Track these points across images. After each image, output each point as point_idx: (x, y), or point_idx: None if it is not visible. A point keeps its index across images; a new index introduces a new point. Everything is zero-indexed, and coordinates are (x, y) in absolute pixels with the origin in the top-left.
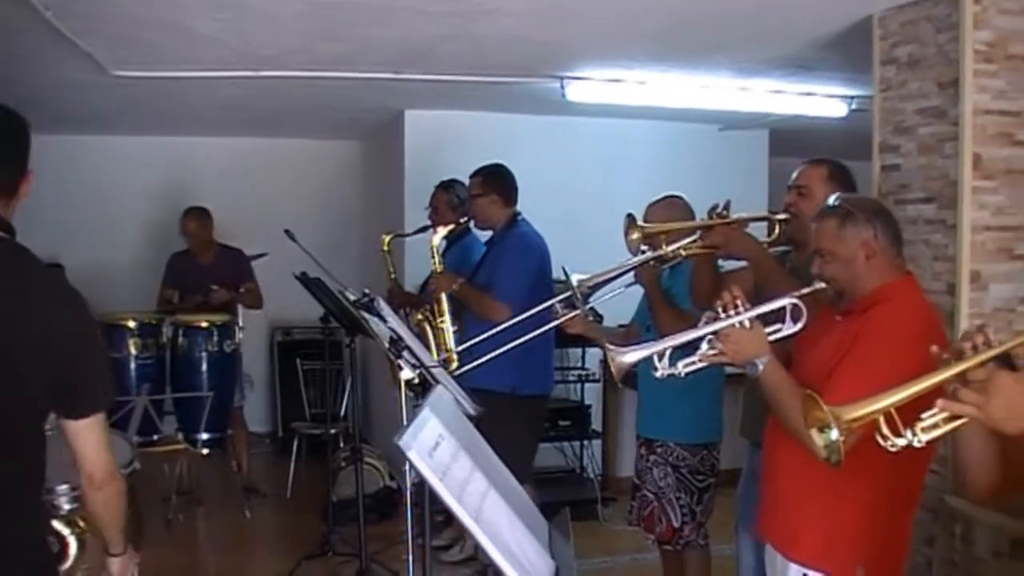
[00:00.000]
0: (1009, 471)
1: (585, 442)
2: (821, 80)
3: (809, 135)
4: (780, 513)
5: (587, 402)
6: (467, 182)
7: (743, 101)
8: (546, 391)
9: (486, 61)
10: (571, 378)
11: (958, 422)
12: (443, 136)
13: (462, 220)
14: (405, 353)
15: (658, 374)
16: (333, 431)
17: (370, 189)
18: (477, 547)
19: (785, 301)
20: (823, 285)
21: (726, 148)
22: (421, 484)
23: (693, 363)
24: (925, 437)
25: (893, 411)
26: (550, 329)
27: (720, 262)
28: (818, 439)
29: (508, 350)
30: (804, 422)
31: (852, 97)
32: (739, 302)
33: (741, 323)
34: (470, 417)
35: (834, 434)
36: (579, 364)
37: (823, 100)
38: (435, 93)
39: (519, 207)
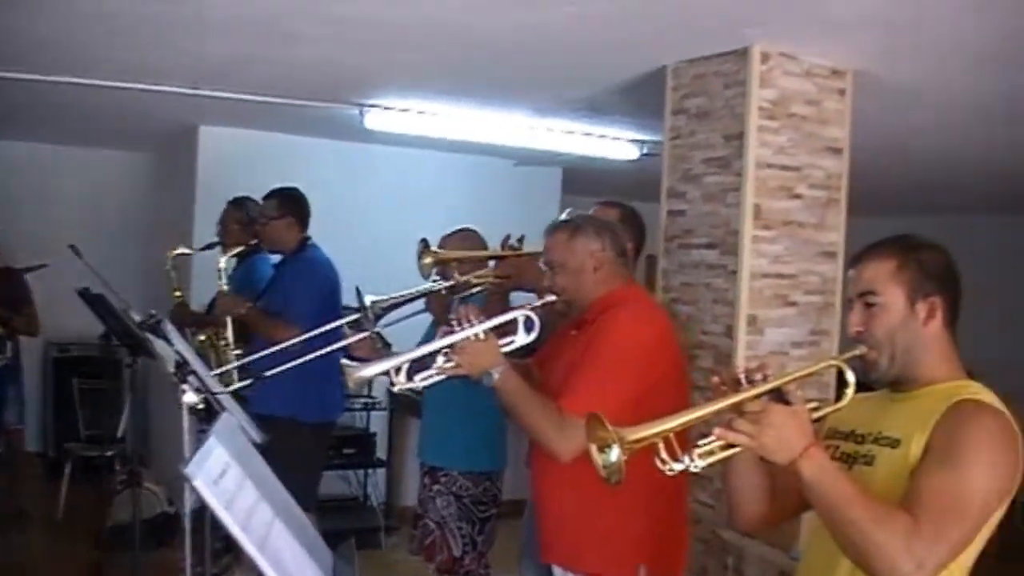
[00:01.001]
0: (777, 501)
1: (369, 470)
2: (615, 124)
3: (601, 175)
4: (558, 531)
5: (372, 430)
6: (260, 201)
7: (540, 139)
8: (331, 418)
9: (286, 83)
10: (356, 406)
11: (733, 450)
12: (238, 154)
13: (252, 241)
14: (191, 378)
15: (395, 388)
16: (109, 453)
17: (161, 204)
18: None
19: (518, 313)
20: (554, 297)
21: (520, 183)
22: (201, 511)
23: (430, 376)
24: (701, 463)
25: (672, 436)
26: (336, 351)
27: None
28: (598, 458)
29: (285, 370)
30: (587, 439)
31: (643, 142)
32: (472, 316)
33: (476, 335)
34: (256, 445)
35: (615, 454)
36: (365, 392)
37: (616, 143)
38: (232, 110)
39: (314, 231)
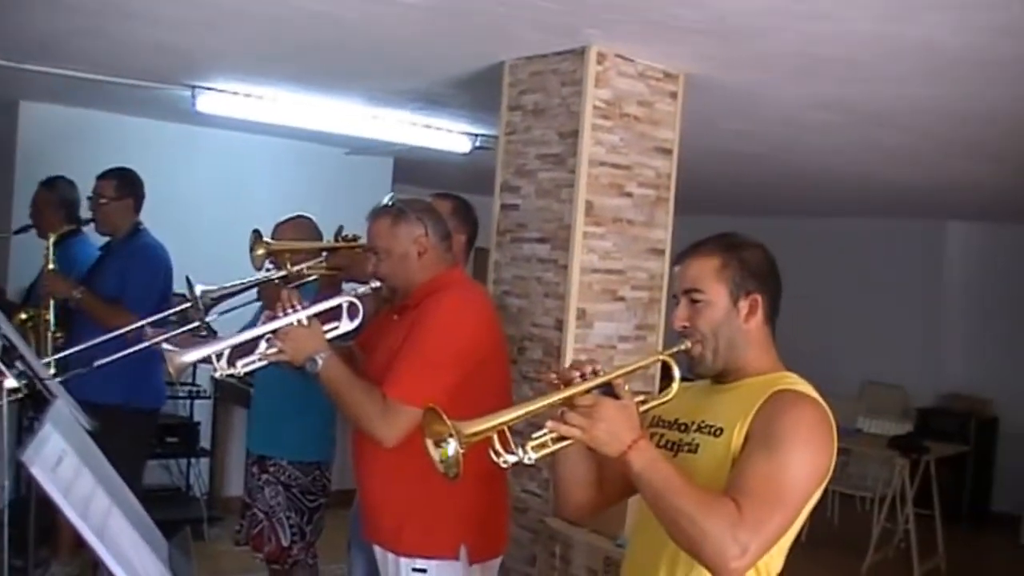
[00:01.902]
0: (603, 489)
1: (192, 460)
2: (449, 116)
3: (434, 166)
4: (380, 513)
5: (196, 419)
6: (82, 183)
7: (373, 129)
8: (158, 405)
9: (118, 62)
10: (180, 394)
11: (565, 442)
12: (63, 134)
13: (79, 218)
14: (18, 363)
15: (216, 374)
16: None
17: None
18: (96, 566)
19: (341, 299)
20: (379, 284)
21: (351, 172)
22: (18, 503)
23: (252, 362)
24: (535, 455)
25: (506, 428)
26: (164, 340)
27: None
28: (434, 453)
29: (116, 361)
30: (423, 433)
31: (477, 135)
32: (295, 301)
33: (299, 321)
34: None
35: (452, 448)
36: (189, 380)
37: (450, 135)
38: (57, 87)
39: (142, 215)
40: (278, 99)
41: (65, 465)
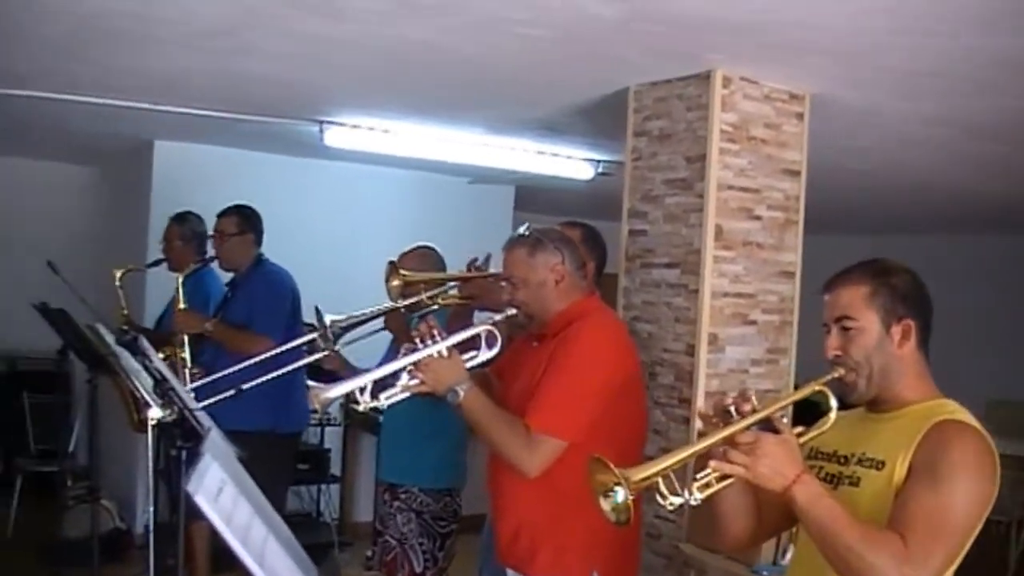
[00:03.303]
0: (762, 521)
1: (323, 486)
2: (570, 143)
3: (555, 193)
4: (515, 536)
5: (327, 446)
6: (206, 218)
7: (494, 158)
8: (302, 428)
9: (244, 99)
10: (311, 422)
11: (729, 480)
12: (194, 170)
13: (206, 256)
14: (171, 394)
15: (360, 407)
16: (60, 468)
17: (110, 219)
18: None
19: (480, 328)
20: (514, 311)
21: (474, 201)
22: (159, 527)
23: (395, 394)
24: (700, 495)
25: (671, 472)
26: (303, 366)
27: None
28: (604, 504)
29: (256, 389)
30: (589, 485)
31: (599, 161)
32: (435, 332)
33: (439, 352)
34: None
35: (621, 496)
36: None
37: (572, 162)
38: (188, 125)
39: (268, 247)
40: (401, 131)
41: (225, 495)
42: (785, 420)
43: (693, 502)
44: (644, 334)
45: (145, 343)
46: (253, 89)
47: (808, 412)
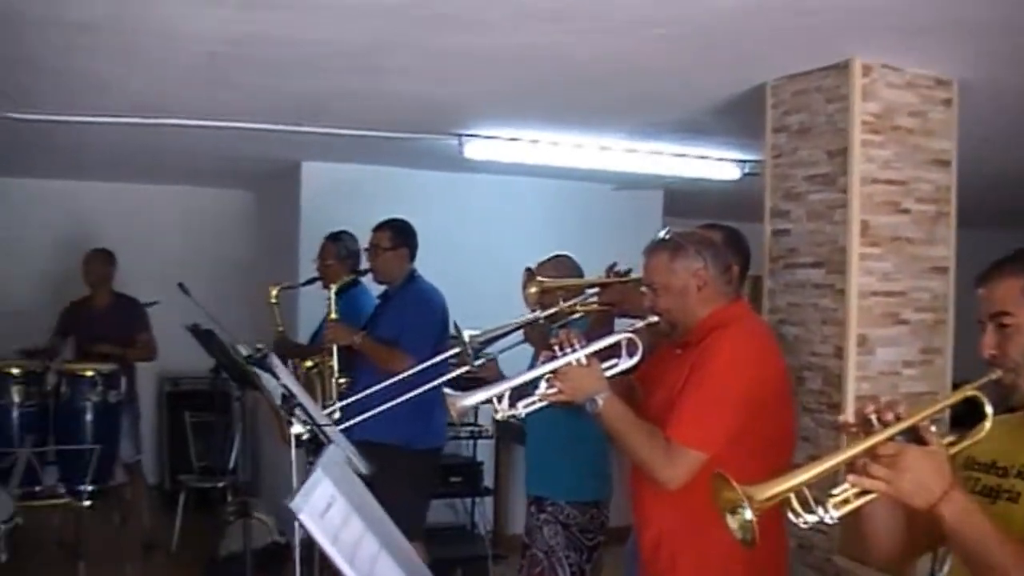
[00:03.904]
0: (915, 538)
1: (476, 499)
2: (715, 144)
3: (703, 196)
4: (657, 549)
5: (479, 459)
6: (359, 234)
7: (638, 163)
8: (440, 445)
9: (383, 117)
10: (463, 434)
11: (869, 496)
12: (340, 189)
13: (359, 269)
14: (297, 410)
15: (498, 416)
16: (221, 484)
17: (263, 240)
18: None
19: (620, 336)
20: (656, 319)
21: (620, 207)
22: (311, 540)
23: (533, 403)
24: (836, 513)
25: (805, 488)
26: (445, 382)
27: None
28: (731, 521)
29: (398, 404)
30: (715, 504)
31: (745, 161)
32: (575, 340)
33: (578, 360)
34: (361, 475)
35: (748, 514)
36: (471, 420)
37: (718, 163)
38: (333, 145)
39: (416, 262)
40: (541, 140)
41: (334, 511)
42: (933, 429)
43: (829, 520)
44: (790, 337)
45: (274, 360)
46: (392, 107)
47: (972, 415)
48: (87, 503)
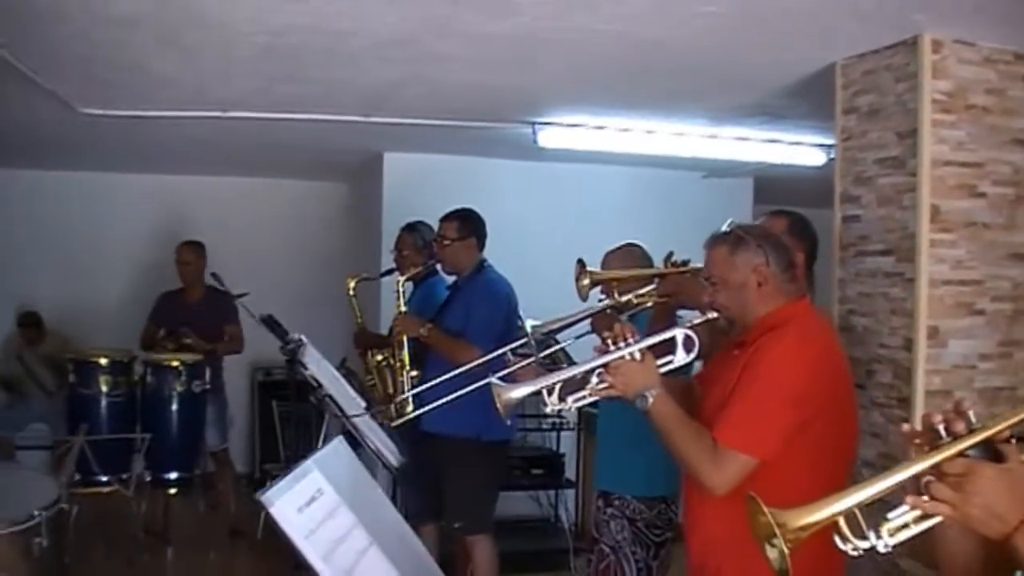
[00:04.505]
0: (995, 563)
1: (560, 491)
2: (796, 129)
3: (793, 183)
4: (705, 555)
5: (561, 451)
6: (435, 224)
7: (717, 148)
8: (510, 437)
9: (452, 106)
10: (545, 426)
11: (931, 521)
12: (421, 179)
13: (429, 262)
14: (327, 400)
15: (548, 408)
16: None
17: (353, 231)
18: None
19: (676, 331)
20: (715, 314)
21: (710, 196)
22: None
23: (583, 397)
24: (892, 540)
25: (857, 510)
26: (505, 376)
27: None
28: (769, 552)
29: (462, 395)
30: (751, 530)
31: (831, 146)
32: (628, 334)
33: (631, 355)
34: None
35: (780, 545)
36: (555, 412)
37: (800, 148)
38: (411, 136)
39: (495, 252)
40: (612, 127)
41: (318, 505)
42: (1013, 443)
43: (883, 549)
44: (860, 328)
45: (307, 351)
46: (453, 96)
47: None
48: (172, 491)
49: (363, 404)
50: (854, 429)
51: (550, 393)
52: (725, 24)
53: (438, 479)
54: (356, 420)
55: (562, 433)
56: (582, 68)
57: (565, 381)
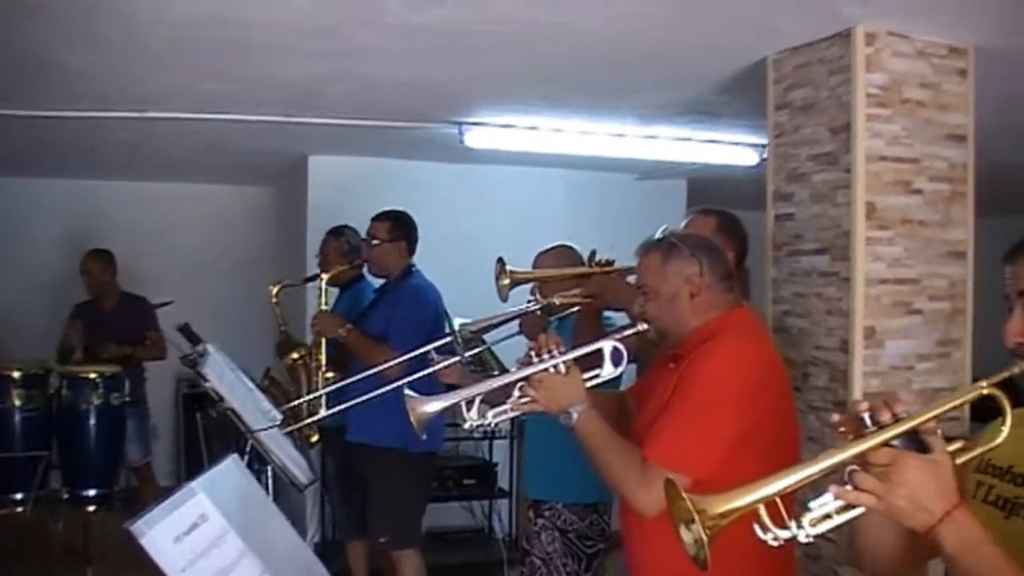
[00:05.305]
0: (915, 551)
1: (493, 501)
2: (729, 128)
3: (726, 184)
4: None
5: (494, 460)
6: (362, 229)
7: (649, 149)
8: (437, 448)
9: (378, 105)
10: (477, 435)
11: (853, 513)
12: (347, 183)
13: (355, 264)
14: (229, 414)
15: (466, 425)
16: None
17: (280, 236)
18: None
19: (604, 344)
20: (645, 326)
21: (643, 198)
22: (323, 543)
23: (504, 412)
24: (814, 531)
25: (778, 500)
26: (423, 377)
27: None
28: (685, 535)
29: (385, 399)
30: (670, 511)
31: (763, 145)
32: (553, 345)
33: (556, 368)
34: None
35: (696, 531)
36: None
37: (733, 148)
38: (337, 139)
39: (427, 256)
40: (544, 127)
41: (199, 533)
42: (939, 433)
43: (804, 539)
44: (795, 330)
45: (209, 362)
46: (383, 93)
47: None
48: (91, 508)
49: (276, 417)
50: (796, 436)
51: (469, 407)
52: (660, 15)
53: (366, 491)
54: (261, 435)
55: (495, 441)
56: (511, 63)
57: (485, 394)
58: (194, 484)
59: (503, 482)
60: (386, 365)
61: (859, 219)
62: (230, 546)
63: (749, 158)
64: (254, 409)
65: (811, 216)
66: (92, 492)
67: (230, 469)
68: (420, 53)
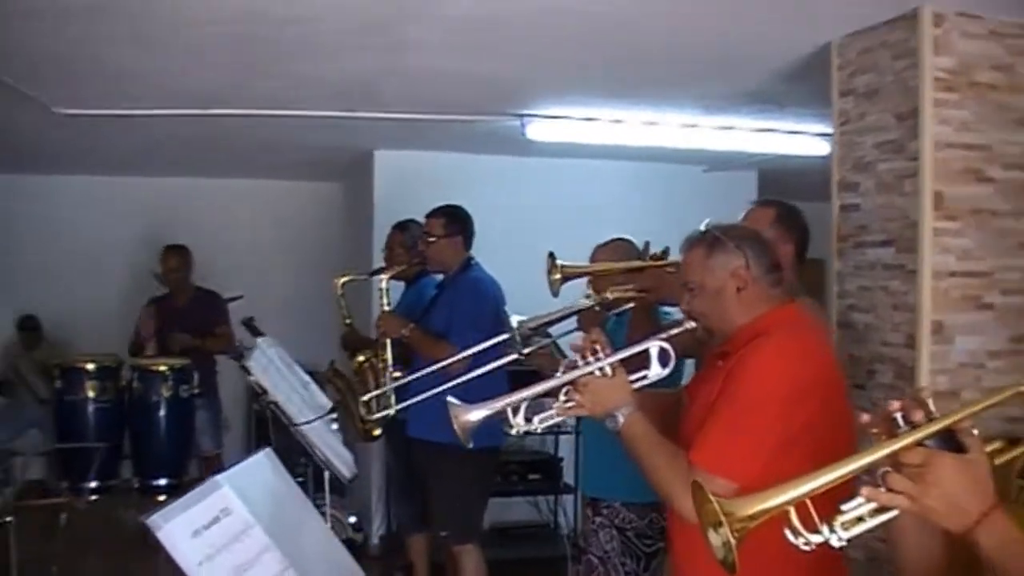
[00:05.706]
0: (955, 557)
1: (558, 497)
2: (796, 117)
3: (798, 175)
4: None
5: (560, 455)
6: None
7: (717, 139)
8: (498, 443)
9: (439, 99)
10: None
11: (887, 515)
12: (413, 177)
13: (415, 260)
14: (272, 407)
15: (512, 431)
16: (300, 480)
17: (348, 230)
18: None
19: (650, 344)
20: (693, 324)
21: (711, 190)
22: (387, 537)
23: (550, 417)
24: (846, 534)
25: (808, 500)
26: (492, 371)
27: None
28: (713, 538)
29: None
30: (698, 517)
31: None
32: (599, 347)
33: (601, 370)
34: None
35: (723, 533)
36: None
37: (803, 138)
38: (401, 133)
39: (483, 249)
40: (605, 118)
41: (221, 527)
42: (976, 435)
43: (836, 542)
44: (860, 325)
45: (253, 355)
46: (435, 87)
47: None
48: (161, 497)
49: (328, 409)
50: (852, 438)
51: (515, 413)
52: (724, 6)
53: (427, 487)
54: (305, 428)
55: (560, 437)
56: (568, 53)
57: (531, 400)
58: (219, 477)
59: (568, 477)
60: (446, 362)
61: (926, 209)
62: (253, 540)
63: (821, 148)
64: (301, 403)
65: (877, 207)
66: (163, 482)
67: (262, 463)
68: (473, 45)
